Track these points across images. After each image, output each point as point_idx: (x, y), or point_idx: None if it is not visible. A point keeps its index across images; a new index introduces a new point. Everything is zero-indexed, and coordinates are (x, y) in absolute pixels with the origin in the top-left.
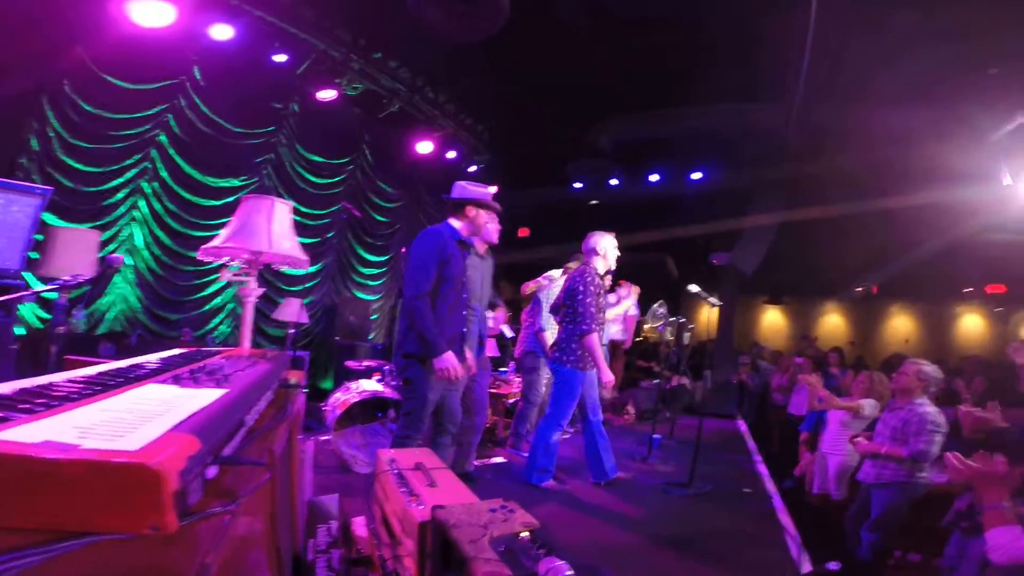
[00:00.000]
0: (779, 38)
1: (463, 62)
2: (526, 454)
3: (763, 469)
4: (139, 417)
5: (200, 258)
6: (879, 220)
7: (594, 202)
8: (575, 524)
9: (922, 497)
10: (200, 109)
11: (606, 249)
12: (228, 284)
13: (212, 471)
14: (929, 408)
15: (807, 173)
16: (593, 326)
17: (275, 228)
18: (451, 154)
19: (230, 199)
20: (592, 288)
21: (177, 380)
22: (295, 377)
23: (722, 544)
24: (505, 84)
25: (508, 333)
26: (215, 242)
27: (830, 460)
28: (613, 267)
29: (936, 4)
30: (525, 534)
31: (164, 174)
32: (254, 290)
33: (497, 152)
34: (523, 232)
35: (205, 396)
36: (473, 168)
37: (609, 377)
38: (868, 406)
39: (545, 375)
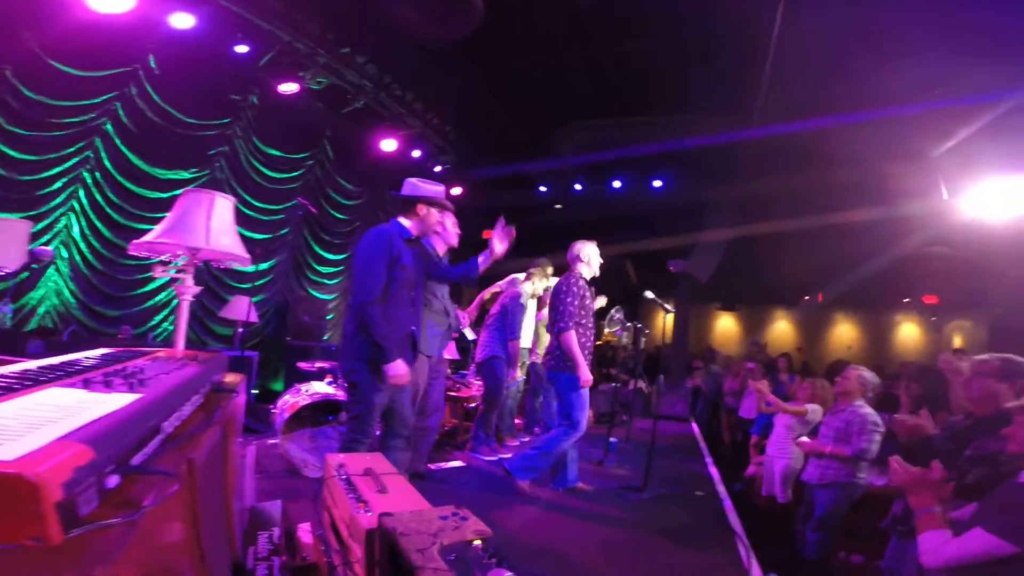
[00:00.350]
0: (741, 55)
1: (434, 61)
2: (486, 458)
3: (715, 472)
4: (27, 424)
5: (132, 253)
6: (827, 233)
7: (558, 206)
8: (531, 530)
9: (862, 499)
10: (152, 98)
11: (590, 256)
12: (173, 279)
13: (113, 480)
14: (868, 409)
15: (760, 186)
16: (571, 323)
17: (214, 224)
18: (416, 153)
19: (178, 191)
20: (575, 290)
21: (87, 384)
22: (233, 379)
23: (674, 549)
24: (475, 85)
25: (470, 336)
26: (148, 236)
27: (776, 463)
28: (597, 273)
29: (883, 26)
30: (477, 542)
31: (108, 164)
32: (190, 288)
33: (463, 153)
34: (487, 234)
35: (112, 402)
36: (438, 168)
37: (587, 376)
38: (813, 411)
39: (515, 380)
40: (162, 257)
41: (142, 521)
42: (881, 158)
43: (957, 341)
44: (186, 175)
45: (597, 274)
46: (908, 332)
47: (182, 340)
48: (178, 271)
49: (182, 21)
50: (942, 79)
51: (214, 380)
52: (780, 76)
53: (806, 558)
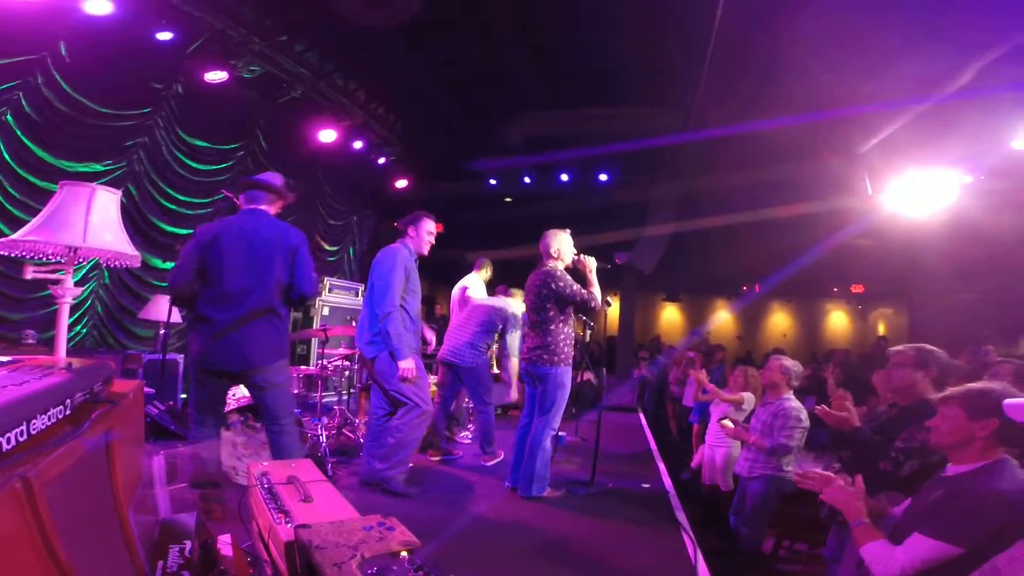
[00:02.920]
0: (683, 51)
1: (380, 50)
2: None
3: (661, 463)
4: None
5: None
6: (763, 227)
7: (508, 199)
8: (476, 531)
9: (798, 489)
10: (61, 87)
11: (560, 249)
12: (86, 279)
13: None
14: (794, 403)
15: (700, 181)
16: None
17: (94, 219)
18: (358, 144)
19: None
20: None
21: None
22: (124, 387)
23: (622, 544)
24: (422, 76)
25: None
26: (17, 234)
27: (716, 452)
28: (568, 263)
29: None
30: (404, 554)
31: (7, 157)
32: (69, 290)
33: (409, 144)
34: (437, 228)
35: None
36: (382, 160)
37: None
38: (748, 399)
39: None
40: (58, 258)
41: None
42: (813, 155)
43: (881, 328)
44: (99, 167)
45: (569, 264)
46: (837, 319)
47: (62, 347)
48: (38, 270)
49: (98, 7)
50: (871, 79)
51: (91, 389)
52: (717, 74)
53: (742, 549)
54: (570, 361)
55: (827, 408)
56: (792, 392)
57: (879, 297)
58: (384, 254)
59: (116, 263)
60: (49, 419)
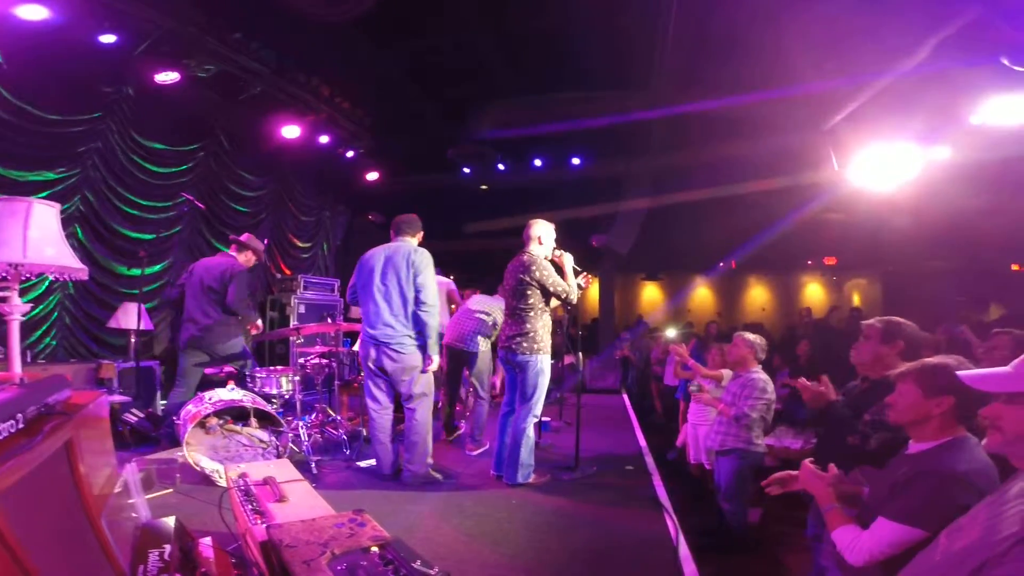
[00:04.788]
0: (644, 31)
1: (341, 43)
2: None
3: (644, 444)
4: None
5: None
6: (736, 203)
7: (484, 187)
8: (461, 520)
9: (788, 464)
10: (2, 95)
11: (543, 235)
12: (50, 290)
13: None
14: (760, 375)
15: (673, 160)
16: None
17: (33, 234)
18: (324, 139)
19: (44, 194)
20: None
21: None
22: (83, 398)
23: (604, 528)
24: (387, 67)
25: None
26: None
27: (699, 431)
28: (550, 255)
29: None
30: (374, 549)
31: None
32: (18, 307)
33: (379, 137)
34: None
35: None
36: (351, 154)
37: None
38: (727, 376)
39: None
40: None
41: None
42: (781, 131)
43: (856, 298)
44: (51, 176)
45: (550, 255)
46: (814, 291)
47: (16, 363)
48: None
49: (33, 13)
50: (833, 54)
51: (45, 402)
52: (681, 53)
53: (729, 527)
54: (549, 348)
55: (806, 381)
56: (759, 365)
57: (852, 268)
58: (420, 254)
59: (63, 277)
60: (0, 434)
